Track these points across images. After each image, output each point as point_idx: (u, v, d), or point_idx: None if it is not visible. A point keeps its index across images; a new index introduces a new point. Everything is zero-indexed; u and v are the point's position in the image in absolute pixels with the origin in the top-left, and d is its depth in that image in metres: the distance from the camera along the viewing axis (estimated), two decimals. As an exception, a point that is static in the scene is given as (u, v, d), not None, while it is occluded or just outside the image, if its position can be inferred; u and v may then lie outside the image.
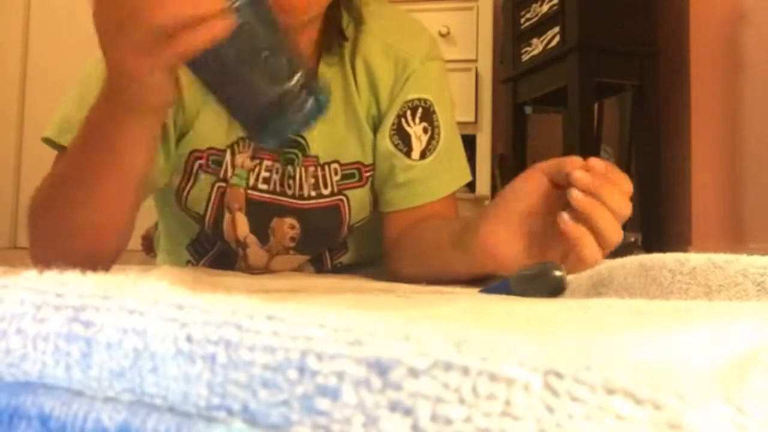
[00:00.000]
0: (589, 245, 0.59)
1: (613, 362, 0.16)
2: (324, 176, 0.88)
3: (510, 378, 0.16)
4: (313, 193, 0.88)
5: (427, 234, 0.81)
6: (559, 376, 0.15)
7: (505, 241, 0.65)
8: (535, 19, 2.42)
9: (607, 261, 0.57)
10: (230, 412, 0.18)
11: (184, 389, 0.18)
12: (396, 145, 0.86)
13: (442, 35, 2.63)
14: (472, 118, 2.65)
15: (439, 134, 0.87)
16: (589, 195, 0.58)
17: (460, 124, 2.97)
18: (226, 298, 0.20)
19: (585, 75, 2.16)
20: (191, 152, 0.85)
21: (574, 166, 0.59)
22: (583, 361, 0.16)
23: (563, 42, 2.24)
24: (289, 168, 0.86)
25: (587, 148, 2.21)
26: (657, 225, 2.27)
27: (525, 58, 2.49)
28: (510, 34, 2.57)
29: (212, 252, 0.95)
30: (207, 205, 0.87)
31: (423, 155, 0.86)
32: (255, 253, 0.91)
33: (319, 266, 0.96)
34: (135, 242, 1.63)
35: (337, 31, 0.85)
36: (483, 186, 2.64)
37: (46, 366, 0.19)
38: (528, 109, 2.61)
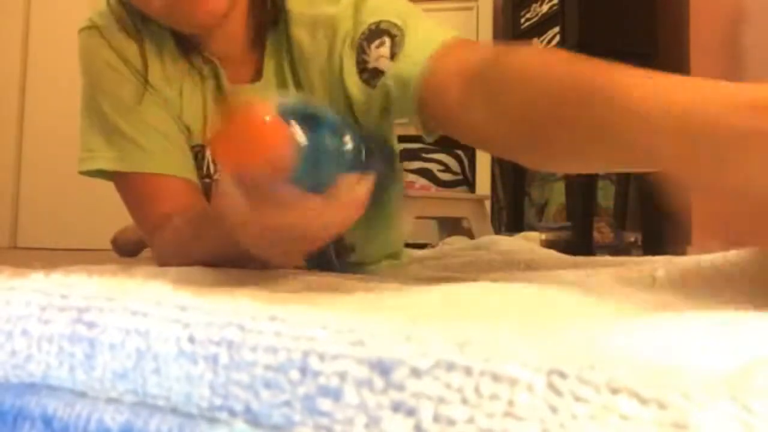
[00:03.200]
0: None
1: (617, 361, 0.15)
2: None
3: (513, 378, 0.16)
4: None
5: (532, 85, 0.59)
6: (562, 375, 0.15)
7: None
8: (535, 19, 2.42)
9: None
10: (232, 412, 0.18)
11: (186, 390, 0.18)
12: (366, 81, 0.80)
13: (442, 35, 2.63)
14: (472, 118, 2.64)
15: (400, 30, 0.80)
16: None
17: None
18: (228, 299, 0.20)
19: (585, 75, 2.16)
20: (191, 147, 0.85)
21: None
22: (587, 361, 0.15)
23: (563, 42, 2.24)
24: None
25: (587, 148, 2.21)
26: (657, 224, 2.27)
27: (525, 58, 2.49)
28: (510, 34, 2.57)
29: None
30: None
31: (393, 57, 0.79)
32: None
33: (325, 267, 0.95)
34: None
35: (262, 21, 0.83)
36: (483, 186, 2.64)
37: (50, 367, 0.19)
38: (528, 109, 2.60)
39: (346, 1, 0.84)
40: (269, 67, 0.85)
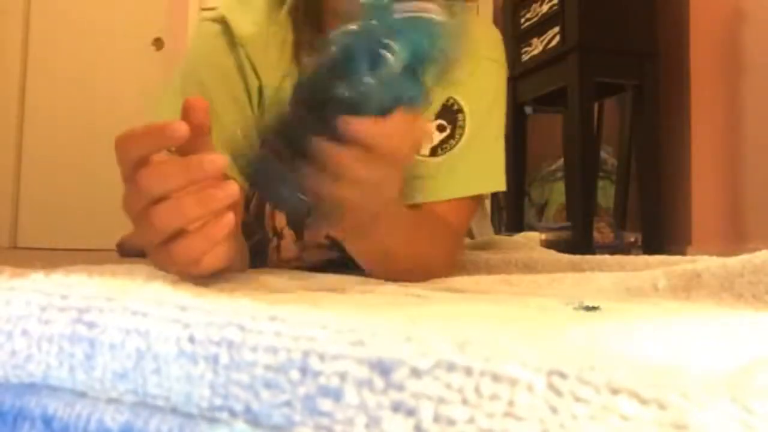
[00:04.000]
0: None
1: (618, 362, 0.15)
2: None
3: (513, 378, 0.16)
4: None
5: None
6: (562, 376, 0.15)
7: None
8: (535, 19, 2.42)
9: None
10: (233, 412, 0.18)
11: (186, 390, 0.18)
12: None
13: (442, 35, 2.63)
14: (472, 118, 2.65)
15: (460, 135, 0.83)
16: None
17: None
18: (228, 299, 0.20)
19: (585, 75, 2.16)
20: None
21: None
22: (587, 361, 0.15)
23: (563, 42, 2.24)
24: None
25: (587, 148, 2.21)
26: (657, 224, 2.27)
27: (525, 57, 2.49)
28: (510, 34, 2.57)
29: (250, 242, 0.95)
30: (254, 195, 0.87)
31: (433, 152, 0.82)
32: (288, 246, 0.92)
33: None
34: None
35: None
36: (483, 186, 2.64)
37: (50, 367, 0.19)
38: (528, 109, 2.61)
39: (478, 48, 0.85)
40: None
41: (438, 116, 0.83)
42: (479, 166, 0.86)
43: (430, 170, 0.82)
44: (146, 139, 0.48)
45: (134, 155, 0.48)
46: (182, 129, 0.47)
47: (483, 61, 0.86)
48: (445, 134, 0.83)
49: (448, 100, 0.84)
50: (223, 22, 0.81)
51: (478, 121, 0.85)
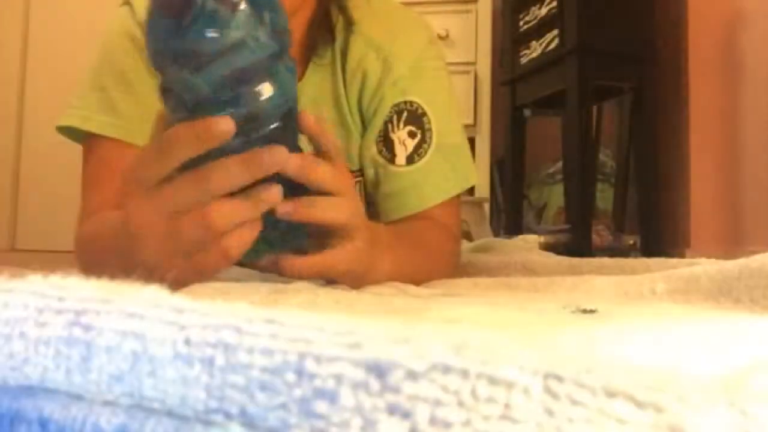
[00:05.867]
0: None
1: (614, 365, 0.15)
2: None
3: (509, 381, 0.16)
4: None
5: None
6: (559, 379, 0.15)
7: None
8: (533, 22, 2.42)
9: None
10: (228, 415, 0.18)
11: (182, 392, 0.18)
12: (380, 152, 0.82)
13: (441, 38, 2.64)
14: (470, 121, 2.65)
15: (430, 138, 0.83)
16: None
17: (459, 126, 2.94)
18: (224, 301, 0.20)
19: (583, 78, 2.16)
20: None
21: None
22: (584, 364, 0.15)
23: (562, 44, 2.24)
24: None
25: (586, 151, 2.21)
26: (655, 227, 2.27)
27: (524, 60, 2.49)
28: (509, 37, 2.57)
29: None
30: None
31: (410, 160, 0.82)
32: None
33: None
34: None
35: (325, 30, 0.82)
36: (482, 189, 2.64)
37: (47, 370, 0.19)
38: (527, 112, 2.61)
39: (413, 49, 0.85)
40: (313, 76, 0.84)
41: (406, 123, 0.83)
42: (456, 163, 0.86)
43: (413, 179, 0.83)
44: (194, 140, 0.46)
45: (182, 157, 0.47)
46: (230, 124, 0.45)
47: (426, 63, 0.87)
48: (417, 140, 0.83)
49: (411, 105, 0.83)
50: (128, 3, 0.83)
51: (442, 120, 0.85)
